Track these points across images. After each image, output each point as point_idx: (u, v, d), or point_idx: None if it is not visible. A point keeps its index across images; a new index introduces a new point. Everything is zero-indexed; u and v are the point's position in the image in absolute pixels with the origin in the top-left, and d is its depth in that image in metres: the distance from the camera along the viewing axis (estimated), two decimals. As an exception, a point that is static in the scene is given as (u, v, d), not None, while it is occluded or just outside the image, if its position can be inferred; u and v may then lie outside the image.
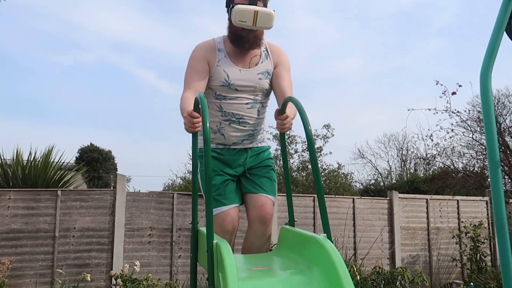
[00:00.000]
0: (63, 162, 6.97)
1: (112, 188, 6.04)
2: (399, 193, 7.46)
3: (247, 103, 2.33)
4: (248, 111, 2.34)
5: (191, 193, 2.16)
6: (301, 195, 7.02)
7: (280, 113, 2.09)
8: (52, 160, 6.49)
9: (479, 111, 12.24)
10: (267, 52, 2.39)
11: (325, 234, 1.79)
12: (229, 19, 2.29)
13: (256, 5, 2.20)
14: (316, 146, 13.21)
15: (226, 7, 2.33)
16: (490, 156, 1.57)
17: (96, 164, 18.12)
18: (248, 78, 2.31)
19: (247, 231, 2.31)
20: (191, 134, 2.06)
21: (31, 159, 6.35)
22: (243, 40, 2.25)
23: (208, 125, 1.74)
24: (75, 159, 17.53)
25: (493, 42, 1.64)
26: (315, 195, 1.98)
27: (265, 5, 2.25)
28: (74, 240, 5.52)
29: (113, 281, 5.04)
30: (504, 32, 1.70)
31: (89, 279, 4.92)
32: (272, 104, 2.45)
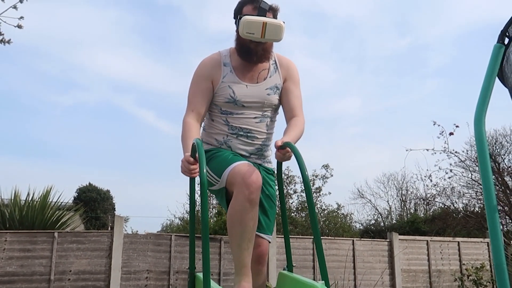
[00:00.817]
0: (61, 202, 6.93)
1: (109, 229, 5.99)
2: (400, 234, 7.40)
3: (255, 117, 2.22)
4: (257, 125, 2.23)
5: (188, 235, 2.12)
6: (300, 237, 6.94)
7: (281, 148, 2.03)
8: (50, 201, 6.46)
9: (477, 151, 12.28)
10: (276, 65, 2.27)
11: (323, 282, 1.77)
12: (237, 31, 2.17)
13: (266, 16, 2.09)
14: (315, 186, 13.18)
15: (234, 18, 2.22)
16: (487, 201, 1.57)
17: (94, 204, 17.99)
18: (255, 94, 2.20)
19: None
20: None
21: (29, 199, 6.32)
22: (251, 53, 2.13)
23: (205, 171, 1.74)
24: (73, 199, 17.42)
25: (485, 88, 1.67)
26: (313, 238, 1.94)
27: (274, 17, 2.15)
28: (69, 284, 5.41)
29: (108, 326, 4.92)
30: (497, 77, 1.73)
31: (83, 324, 4.80)
32: (281, 120, 2.35)
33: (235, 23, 2.20)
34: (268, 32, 2.05)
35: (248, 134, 2.21)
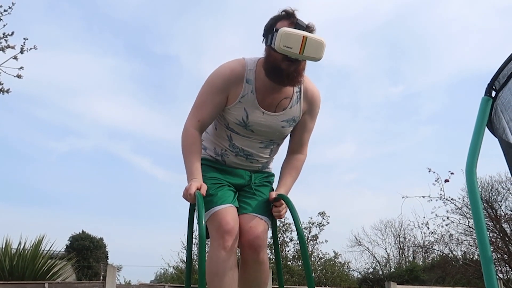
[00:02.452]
0: (53, 251, 6.82)
1: (102, 279, 5.86)
2: (399, 282, 7.27)
3: (261, 142, 2.06)
4: (260, 150, 2.09)
5: (184, 285, 2.08)
6: (297, 286, 6.79)
7: (275, 200, 2.01)
8: (41, 250, 6.35)
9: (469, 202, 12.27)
10: (300, 94, 2.04)
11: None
12: (268, 48, 1.91)
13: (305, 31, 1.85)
14: (311, 234, 13.04)
15: (266, 33, 1.95)
16: (482, 252, 1.57)
17: (87, 253, 17.63)
18: (269, 124, 2.00)
19: (240, 261, 1.98)
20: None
21: (20, 248, 6.21)
22: (282, 74, 1.88)
23: (204, 223, 1.71)
24: (65, 247, 17.10)
25: (475, 140, 1.70)
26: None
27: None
28: (58, 337, 5.23)
29: None
30: (486, 128, 1.77)
31: None
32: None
33: (266, 39, 1.94)
34: (307, 48, 1.80)
35: (249, 156, 2.08)
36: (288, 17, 1.89)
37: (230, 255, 1.82)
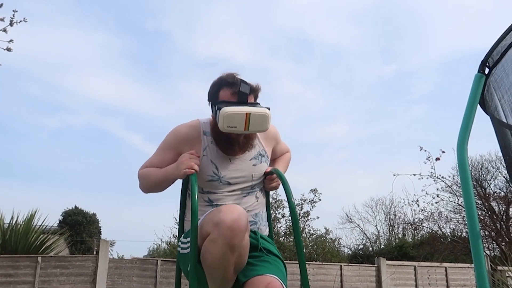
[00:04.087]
0: (46, 226, 6.83)
1: (95, 254, 5.90)
2: (388, 258, 7.39)
3: (241, 193, 1.94)
4: (245, 200, 1.95)
5: (175, 259, 2.09)
6: (288, 262, 6.90)
7: (269, 174, 2.01)
8: (34, 225, 6.36)
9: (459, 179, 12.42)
10: (256, 134, 2.00)
11: (309, 308, 1.77)
12: (213, 117, 1.89)
13: (247, 101, 1.82)
14: (303, 210, 13.15)
15: (209, 101, 1.93)
16: (471, 228, 1.59)
17: (79, 228, 17.67)
18: (241, 168, 1.93)
19: None
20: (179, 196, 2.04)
21: (13, 223, 6.21)
22: (232, 143, 1.87)
23: (196, 197, 1.72)
24: (58, 222, 17.14)
25: (467, 117, 1.71)
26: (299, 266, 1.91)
27: (256, 97, 1.88)
28: (52, 310, 5.29)
29: None
30: (479, 105, 1.77)
31: None
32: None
33: (211, 107, 1.91)
34: (252, 123, 1.77)
35: None
36: (230, 86, 1.83)
37: (234, 253, 1.60)
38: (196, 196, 1.73)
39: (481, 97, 1.76)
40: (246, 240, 1.64)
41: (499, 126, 1.72)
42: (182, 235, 1.92)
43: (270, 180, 2.04)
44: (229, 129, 1.76)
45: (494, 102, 1.78)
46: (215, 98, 1.87)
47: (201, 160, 1.89)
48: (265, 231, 2.01)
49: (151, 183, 1.95)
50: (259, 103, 1.88)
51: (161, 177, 1.93)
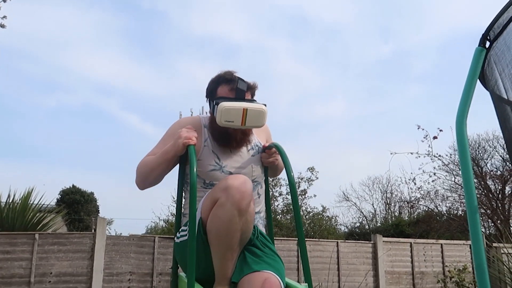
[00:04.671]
0: (43, 205, 6.83)
1: (92, 231, 5.92)
2: (384, 236, 7.44)
3: None
4: None
5: (173, 236, 2.08)
6: (285, 238, 6.94)
7: (268, 148, 2.02)
8: (31, 203, 6.36)
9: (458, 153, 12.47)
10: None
11: (307, 284, 1.78)
12: (211, 113, 1.97)
13: (244, 97, 1.91)
14: (300, 189, 13.20)
15: (207, 97, 2.01)
16: (468, 202, 1.58)
17: (77, 206, 17.76)
18: (241, 159, 1.98)
19: None
20: (176, 175, 2.03)
21: (10, 201, 6.21)
22: (229, 139, 1.92)
23: (195, 171, 1.71)
24: (56, 201, 17.20)
25: (466, 91, 1.69)
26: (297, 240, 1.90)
27: (252, 95, 1.98)
28: (50, 286, 5.32)
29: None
30: (478, 80, 1.75)
31: (64, 328, 4.72)
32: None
33: (209, 104, 1.99)
34: (249, 119, 1.83)
35: None
36: (228, 82, 1.91)
37: (242, 217, 1.61)
38: (195, 169, 1.71)
39: (481, 72, 1.73)
40: (252, 208, 1.67)
41: (498, 101, 1.70)
42: (182, 225, 1.90)
43: (268, 154, 2.02)
44: (226, 123, 1.82)
45: (494, 76, 1.76)
46: (213, 94, 1.94)
47: (202, 151, 1.92)
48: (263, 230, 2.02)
49: (149, 169, 1.93)
50: (255, 100, 1.95)
51: (159, 157, 1.92)
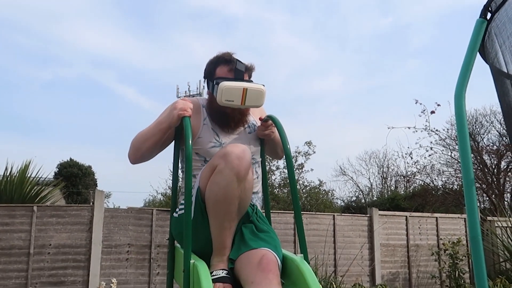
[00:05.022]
0: (41, 178, 6.84)
1: (90, 204, 5.95)
2: (380, 210, 7.51)
3: None
4: None
5: (170, 209, 2.08)
6: (282, 212, 7.00)
7: (264, 121, 2.02)
8: (28, 175, 6.37)
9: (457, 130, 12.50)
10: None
11: (302, 255, 1.79)
12: (210, 93, 2.01)
13: (243, 78, 1.95)
14: (297, 163, 13.24)
15: (205, 78, 2.04)
16: (465, 174, 1.59)
17: (75, 180, 17.81)
18: (239, 137, 2.02)
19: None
20: (171, 148, 2.02)
21: (7, 174, 6.22)
22: (228, 119, 1.97)
23: (190, 143, 1.71)
24: (53, 174, 17.23)
25: (466, 63, 1.67)
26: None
27: (250, 76, 2.01)
28: (49, 257, 5.38)
29: (89, 300, 4.93)
30: (478, 53, 1.73)
31: (64, 298, 4.79)
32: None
33: (207, 84, 2.02)
34: (248, 98, 1.88)
35: None
36: (227, 63, 1.95)
37: (241, 183, 1.62)
38: (190, 142, 1.71)
39: (482, 44, 1.71)
40: (250, 176, 1.69)
41: (498, 75, 1.69)
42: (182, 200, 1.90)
43: (264, 126, 2.02)
44: (226, 102, 1.85)
45: (495, 48, 1.74)
46: (212, 75, 1.98)
47: (202, 129, 1.96)
48: (260, 207, 2.05)
49: (142, 139, 1.93)
50: (252, 81, 1.99)
51: (153, 127, 1.92)
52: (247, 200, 1.73)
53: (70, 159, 18.59)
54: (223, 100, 1.85)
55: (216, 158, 1.68)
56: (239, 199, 1.65)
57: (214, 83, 1.92)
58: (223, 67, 1.96)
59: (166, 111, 1.96)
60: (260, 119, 2.05)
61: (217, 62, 1.99)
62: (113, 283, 5.01)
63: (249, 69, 1.99)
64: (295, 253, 1.84)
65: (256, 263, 1.63)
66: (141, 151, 1.95)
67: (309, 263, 1.73)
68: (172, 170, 2.05)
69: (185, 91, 38.29)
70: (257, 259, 1.65)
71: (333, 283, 5.84)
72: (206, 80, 2.04)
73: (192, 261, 1.68)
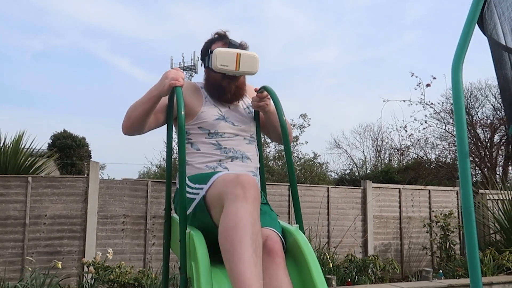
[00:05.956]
0: (35, 149, 6.82)
1: (85, 175, 5.96)
2: (373, 183, 7.57)
3: (244, 139, 2.05)
4: (248, 147, 2.05)
5: (165, 181, 2.10)
6: (276, 184, 7.05)
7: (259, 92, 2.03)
8: (22, 146, 6.34)
9: (452, 104, 12.50)
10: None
11: (298, 225, 1.82)
12: (206, 70, 2.07)
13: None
14: (292, 135, 13.26)
15: (203, 57, 2.10)
16: (460, 146, 1.59)
17: (69, 151, 17.76)
18: (239, 114, 2.08)
19: None
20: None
21: (1, 145, 6.19)
22: (224, 91, 2.01)
23: (183, 113, 1.71)
24: (47, 145, 17.17)
25: (465, 34, 1.65)
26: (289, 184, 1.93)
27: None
28: (45, 228, 5.42)
29: (85, 269, 4.98)
30: (476, 25, 1.71)
31: (60, 267, 4.85)
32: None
33: (204, 63, 2.08)
34: (242, 63, 1.93)
35: (243, 156, 2.00)
36: (221, 39, 2.05)
37: (254, 205, 1.54)
38: (183, 112, 1.71)
39: (480, 15, 1.69)
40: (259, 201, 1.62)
41: (495, 47, 1.68)
42: (188, 178, 1.85)
43: (260, 98, 2.01)
44: (221, 67, 1.91)
45: (494, 20, 1.72)
46: (207, 51, 2.05)
47: (204, 104, 2.02)
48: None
49: (132, 108, 1.95)
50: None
51: (143, 97, 1.92)
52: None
53: (64, 130, 18.50)
54: (218, 65, 1.91)
55: (224, 187, 1.61)
56: (256, 225, 1.52)
57: (209, 52, 2.00)
58: (217, 43, 2.04)
59: (161, 81, 1.94)
60: (255, 90, 2.04)
61: (212, 40, 2.07)
62: (109, 253, 5.07)
63: (241, 46, 2.05)
64: (290, 224, 1.86)
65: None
66: (131, 120, 1.95)
67: (304, 233, 1.75)
68: (166, 143, 2.05)
69: (179, 62, 37.92)
70: (263, 239, 1.61)
71: (326, 253, 5.94)
72: (202, 60, 2.11)
73: (188, 231, 1.69)
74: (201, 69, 2.18)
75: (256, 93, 2.09)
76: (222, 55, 1.90)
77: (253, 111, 2.14)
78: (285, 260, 1.64)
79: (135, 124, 1.96)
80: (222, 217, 1.54)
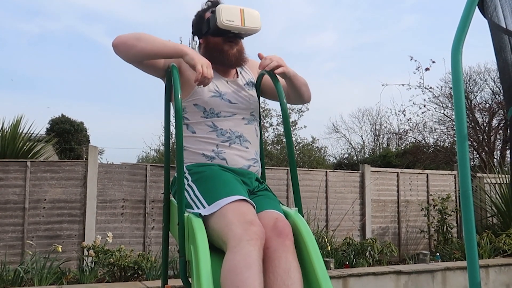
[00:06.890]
0: (33, 133, 6.81)
1: (84, 159, 5.96)
2: (372, 167, 7.60)
3: (243, 118, 1.96)
4: (247, 128, 1.96)
5: (164, 165, 2.10)
6: (275, 168, 7.06)
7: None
8: (21, 131, 6.33)
9: (451, 88, 12.47)
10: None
11: (297, 208, 1.83)
12: (204, 38, 1.99)
13: None
14: (291, 119, 13.26)
15: (197, 27, 2.01)
16: (458, 129, 1.59)
17: (67, 136, 17.72)
18: (237, 89, 1.98)
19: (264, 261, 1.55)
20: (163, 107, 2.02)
21: (-1, 129, 6.18)
22: (227, 53, 1.93)
23: (180, 96, 1.71)
24: (45, 130, 17.13)
25: (465, 17, 1.64)
26: (289, 168, 1.94)
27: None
28: (44, 212, 5.44)
29: (85, 252, 5.02)
30: (477, 7, 1.70)
31: (60, 250, 4.88)
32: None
33: (199, 32, 1.99)
34: (247, 19, 1.87)
35: (241, 138, 1.92)
36: (214, 6, 1.93)
37: (259, 253, 1.49)
38: (179, 95, 1.71)
39: (481, -1, 1.68)
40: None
41: (496, 30, 1.67)
42: (186, 167, 1.87)
43: (265, 60, 1.90)
44: (228, 23, 1.83)
45: (494, 2, 1.71)
46: (201, 20, 1.98)
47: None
48: (259, 173, 2.04)
49: (142, 38, 1.82)
50: None
51: (158, 42, 1.82)
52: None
53: (62, 115, 18.44)
54: (224, 21, 1.83)
55: (229, 225, 1.57)
56: (260, 279, 1.46)
57: (210, 12, 1.93)
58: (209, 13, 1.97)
59: (190, 50, 1.83)
60: (259, 55, 1.96)
61: (205, 9, 2.00)
62: (108, 236, 5.10)
63: None
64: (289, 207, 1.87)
65: (271, 227, 1.61)
66: (128, 45, 1.83)
67: (303, 216, 1.76)
68: (164, 127, 2.05)
69: (177, 47, 37.62)
70: (271, 222, 1.64)
71: (325, 237, 5.99)
72: (196, 33, 2.03)
73: (186, 214, 1.70)
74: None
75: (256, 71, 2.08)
76: (227, 10, 1.85)
77: (253, 87, 2.07)
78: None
79: (130, 51, 1.85)
80: (227, 260, 1.49)
